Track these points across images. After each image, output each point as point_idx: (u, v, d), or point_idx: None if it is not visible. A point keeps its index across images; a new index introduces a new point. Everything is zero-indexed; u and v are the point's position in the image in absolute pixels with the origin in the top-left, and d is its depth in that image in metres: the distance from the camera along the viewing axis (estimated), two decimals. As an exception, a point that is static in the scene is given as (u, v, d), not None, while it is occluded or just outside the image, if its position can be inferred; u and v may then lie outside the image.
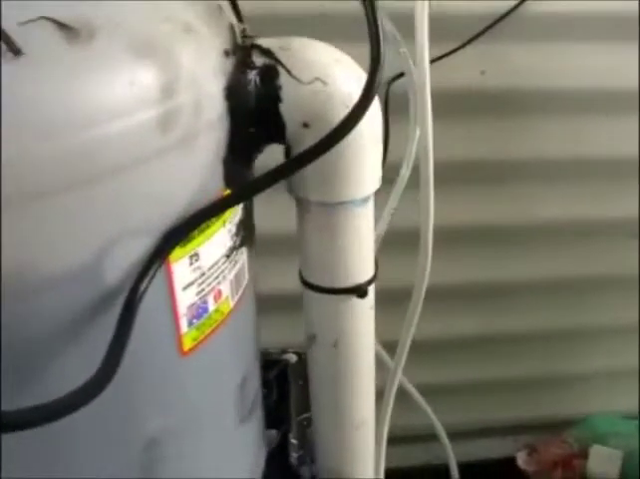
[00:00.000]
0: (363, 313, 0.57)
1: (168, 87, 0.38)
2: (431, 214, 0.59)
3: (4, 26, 0.33)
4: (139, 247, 0.40)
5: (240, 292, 0.50)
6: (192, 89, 0.40)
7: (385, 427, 0.67)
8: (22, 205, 0.35)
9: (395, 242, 0.65)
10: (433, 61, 0.61)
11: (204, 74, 0.41)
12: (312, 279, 0.55)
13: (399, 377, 0.64)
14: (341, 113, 0.46)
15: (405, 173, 0.58)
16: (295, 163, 0.43)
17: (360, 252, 0.54)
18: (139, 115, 0.37)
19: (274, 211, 0.55)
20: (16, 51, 0.34)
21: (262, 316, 0.58)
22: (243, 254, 0.50)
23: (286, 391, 0.80)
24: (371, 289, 0.56)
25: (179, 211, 0.41)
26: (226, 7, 0.47)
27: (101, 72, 0.36)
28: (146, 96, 0.37)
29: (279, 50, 0.46)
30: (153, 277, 0.40)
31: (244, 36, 0.47)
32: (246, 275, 0.51)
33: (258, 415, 0.62)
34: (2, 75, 0.33)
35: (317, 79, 0.46)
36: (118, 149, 0.36)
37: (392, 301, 0.66)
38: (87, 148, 0.35)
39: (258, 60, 0.46)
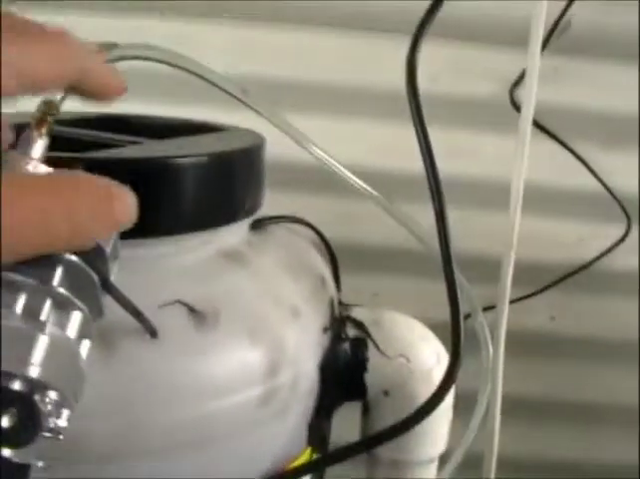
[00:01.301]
0: None
1: (273, 368, 0.43)
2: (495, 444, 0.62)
3: (145, 309, 0.40)
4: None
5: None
6: (293, 367, 0.45)
7: None
8: (143, 462, 0.40)
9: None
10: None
11: (305, 352, 0.47)
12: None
13: None
14: (420, 385, 0.51)
15: (479, 413, 0.61)
16: (376, 440, 0.48)
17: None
18: (245, 393, 0.42)
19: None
20: (153, 333, 0.40)
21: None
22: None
23: None
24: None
25: (267, 468, 0.46)
26: (329, 279, 0.53)
27: (219, 354, 0.42)
28: (253, 376, 0.43)
29: (371, 323, 0.52)
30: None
31: (340, 305, 0.53)
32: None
33: None
34: (139, 353, 0.39)
35: (402, 356, 0.51)
36: (224, 421, 0.42)
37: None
38: (200, 418, 0.41)
39: (351, 331, 0.52)
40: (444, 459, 0.59)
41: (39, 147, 0.32)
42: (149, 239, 0.43)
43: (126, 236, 0.36)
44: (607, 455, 1.00)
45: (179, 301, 0.42)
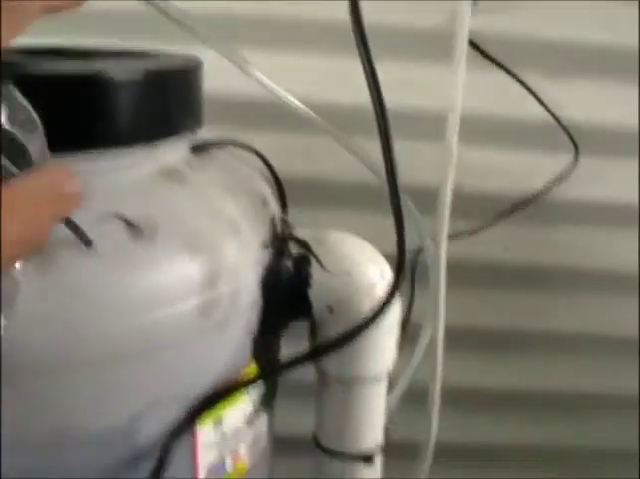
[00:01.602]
0: (370, 477, 0.61)
1: (212, 279, 0.44)
2: (438, 374, 0.64)
3: (81, 220, 0.40)
4: (172, 412, 0.45)
5: (258, 454, 0.55)
6: (232, 279, 0.46)
7: None
8: (76, 372, 0.41)
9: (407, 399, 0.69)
10: (457, 236, 0.67)
11: (244, 265, 0.47)
12: (324, 442, 0.59)
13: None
14: (364, 301, 0.52)
15: (423, 342, 0.63)
16: (322, 350, 0.49)
17: (370, 421, 0.58)
18: (185, 303, 0.43)
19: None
20: (87, 243, 0.40)
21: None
22: (263, 419, 0.55)
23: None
24: (377, 458, 0.60)
25: (211, 382, 0.47)
26: (271, 199, 0.54)
27: (157, 267, 0.42)
28: (192, 287, 0.43)
29: (314, 242, 0.53)
30: (181, 440, 0.45)
31: (284, 223, 0.54)
32: (264, 438, 0.56)
33: None
34: (74, 264, 0.40)
35: (345, 273, 0.52)
36: (164, 331, 0.42)
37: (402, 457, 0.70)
38: (138, 329, 0.41)
39: (294, 249, 0.52)
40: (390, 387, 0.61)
41: None
42: (84, 152, 0.43)
43: (60, 149, 0.37)
44: (554, 383, 1.02)
45: (115, 215, 0.42)
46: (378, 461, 0.61)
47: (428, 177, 0.65)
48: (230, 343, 0.48)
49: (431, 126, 0.63)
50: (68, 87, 0.42)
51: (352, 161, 0.56)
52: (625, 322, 0.96)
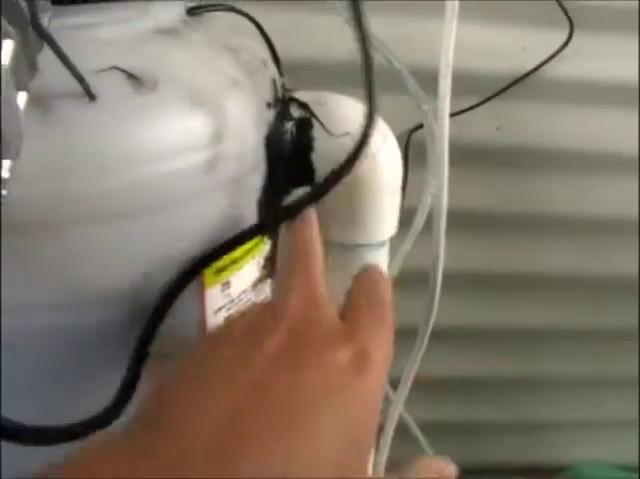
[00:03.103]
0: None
1: (216, 134, 0.43)
2: (441, 258, 0.64)
3: (83, 72, 0.39)
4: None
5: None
6: (237, 137, 0.45)
7: (383, 457, 0.71)
8: (83, 228, 0.40)
9: (405, 282, 0.69)
10: (451, 115, 0.66)
11: (248, 124, 0.46)
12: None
13: (399, 411, 0.68)
14: (368, 167, 0.51)
15: (419, 219, 0.62)
16: (311, 197, 0.47)
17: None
18: (190, 157, 0.42)
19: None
20: (91, 96, 0.39)
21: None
22: (267, 285, 0.54)
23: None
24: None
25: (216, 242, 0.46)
26: (270, 62, 0.52)
27: (161, 118, 0.41)
28: (197, 141, 0.42)
29: (315, 104, 0.51)
30: (184, 288, 0.44)
31: (284, 89, 0.52)
32: (268, 304, 0.56)
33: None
34: (77, 115, 0.38)
35: (346, 133, 0.51)
36: (169, 185, 0.41)
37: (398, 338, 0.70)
38: (143, 182, 0.40)
39: (295, 112, 0.51)
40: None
41: None
42: (80, 4, 0.41)
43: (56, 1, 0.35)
44: (552, 262, 1.03)
45: (115, 67, 0.41)
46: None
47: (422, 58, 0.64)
48: (236, 204, 0.47)
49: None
50: None
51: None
52: (621, 202, 0.97)
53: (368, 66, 0.44)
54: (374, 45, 0.54)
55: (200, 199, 0.44)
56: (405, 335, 0.69)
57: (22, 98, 0.34)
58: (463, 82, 0.80)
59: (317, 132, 0.51)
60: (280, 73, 0.57)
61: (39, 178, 0.37)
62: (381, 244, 0.56)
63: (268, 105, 0.48)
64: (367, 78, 0.44)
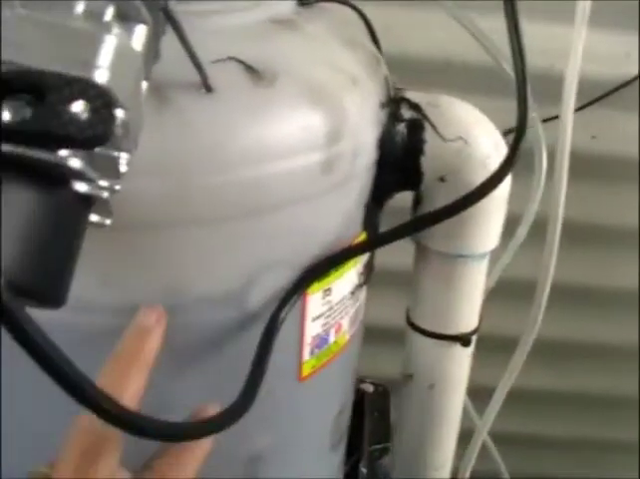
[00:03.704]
0: (463, 360, 0.58)
1: (335, 133, 0.41)
2: (551, 269, 0.60)
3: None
4: (282, 278, 0.43)
5: (356, 327, 0.52)
6: (353, 137, 0.42)
7: (467, 473, 0.68)
8: (195, 228, 0.38)
9: (500, 292, 0.66)
10: (544, 121, 0.63)
11: (364, 123, 0.44)
12: (420, 323, 0.57)
13: (487, 428, 0.65)
14: (477, 172, 0.48)
15: (523, 231, 0.59)
16: (431, 219, 0.45)
17: (470, 304, 0.56)
18: (306, 157, 0.39)
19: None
20: (209, 88, 0.37)
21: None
22: (363, 292, 0.52)
23: (361, 421, 0.82)
24: (473, 339, 0.58)
25: (323, 247, 0.44)
26: (382, 60, 0.50)
27: (279, 114, 0.39)
28: (314, 140, 0.40)
29: (427, 106, 0.49)
30: (292, 307, 0.43)
31: (395, 88, 0.50)
32: (362, 311, 0.54)
33: (344, 444, 0.64)
34: (194, 107, 0.36)
35: (460, 138, 0.48)
36: (283, 186, 0.39)
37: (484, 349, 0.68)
38: (256, 182, 0.38)
39: (407, 113, 0.49)
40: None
41: None
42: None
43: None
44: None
45: (234, 58, 0.39)
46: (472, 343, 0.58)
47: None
48: (345, 207, 0.45)
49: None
50: None
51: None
52: None
53: (522, 77, 0.41)
54: (484, 45, 0.52)
55: (314, 199, 0.42)
56: (500, 346, 0.67)
57: (143, 86, 0.32)
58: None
59: (428, 134, 0.48)
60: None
61: (151, 172, 0.35)
62: (483, 256, 0.53)
63: (382, 105, 0.46)
64: (520, 91, 0.41)
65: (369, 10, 0.75)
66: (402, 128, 0.48)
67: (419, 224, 0.46)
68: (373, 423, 0.82)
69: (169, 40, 0.33)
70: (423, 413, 0.61)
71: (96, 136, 0.24)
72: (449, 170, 0.49)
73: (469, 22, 0.51)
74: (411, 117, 0.48)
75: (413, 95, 0.50)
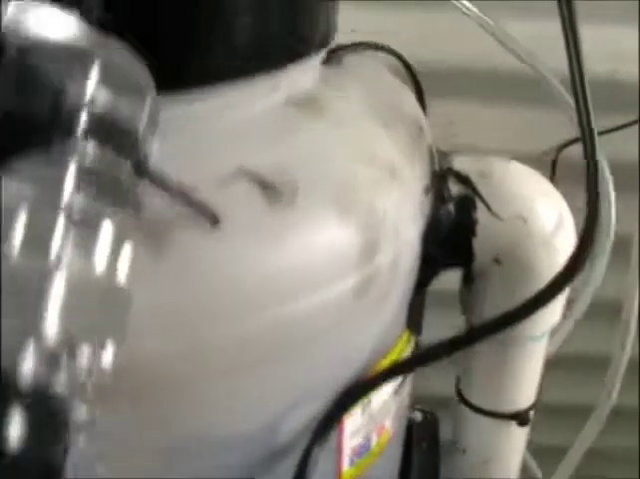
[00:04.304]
0: (519, 437, 0.53)
1: (370, 248, 0.34)
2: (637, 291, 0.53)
3: (200, 183, 0.30)
4: (315, 409, 0.37)
5: (400, 418, 0.47)
6: (391, 244, 0.35)
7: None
8: (211, 383, 0.32)
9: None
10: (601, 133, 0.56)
11: (404, 222, 0.37)
12: (473, 400, 0.51)
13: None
14: (538, 252, 0.42)
15: (589, 290, 0.52)
16: (489, 330, 0.38)
17: (527, 381, 0.49)
18: (336, 285, 0.33)
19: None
20: (213, 219, 0.30)
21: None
22: (408, 384, 0.46)
23: (408, 452, 0.76)
24: (530, 415, 0.52)
25: (360, 369, 0.38)
26: (426, 126, 0.42)
27: (301, 240, 0.32)
28: (345, 262, 0.33)
29: (478, 177, 0.42)
30: (326, 439, 0.37)
31: (440, 154, 0.43)
32: (407, 399, 0.48)
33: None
34: (199, 246, 0.30)
35: (518, 216, 0.41)
36: (310, 322, 0.33)
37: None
38: (279, 324, 0.32)
39: (454, 187, 0.42)
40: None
41: None
42: (199, 89, 0.32)
43: (168, 89, 0.26)
44: None
45: (245, 171, 0.32)
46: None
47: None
48: (387, 318, 0.38)
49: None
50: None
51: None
52: None
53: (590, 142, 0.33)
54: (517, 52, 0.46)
55: (347, 325, 0.35)
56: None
57: (126, 253, 0.25)
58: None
59: (480, 213, 0.41)
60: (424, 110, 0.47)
61: (153, 330, 0.29)
62: (542, 335, 0.47)
63: (426, 190, 0.39)
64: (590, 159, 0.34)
65: (401, 18, 0.67)
66: (450, 207, 0.41)
67: (474, 334, 0.39)
68: (420, 456, 0.77)
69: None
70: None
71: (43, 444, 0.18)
72: (505, 251, 0.42)
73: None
74: (459, 193, 0.41)
75: (461, 162, 0.42)
